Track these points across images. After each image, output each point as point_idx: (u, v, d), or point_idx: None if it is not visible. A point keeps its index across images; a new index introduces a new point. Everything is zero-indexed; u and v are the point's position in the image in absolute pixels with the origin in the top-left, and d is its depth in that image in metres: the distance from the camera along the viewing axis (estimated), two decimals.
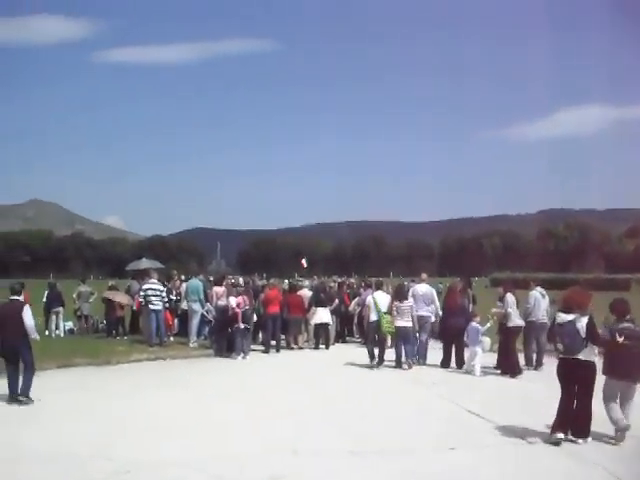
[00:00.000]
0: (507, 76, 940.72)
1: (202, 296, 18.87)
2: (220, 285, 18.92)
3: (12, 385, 10.97)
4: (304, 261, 55.69)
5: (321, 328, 18.99)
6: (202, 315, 18.97)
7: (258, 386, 12.99)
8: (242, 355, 16.75)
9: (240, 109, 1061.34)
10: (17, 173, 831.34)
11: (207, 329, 19.26)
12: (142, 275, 20.88)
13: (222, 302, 17.79)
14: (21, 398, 10.88)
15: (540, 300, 15.24)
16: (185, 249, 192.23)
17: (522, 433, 9.02)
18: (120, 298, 20.90)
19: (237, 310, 17.11)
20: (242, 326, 16.96)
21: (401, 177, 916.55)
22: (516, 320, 14.45)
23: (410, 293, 16.10)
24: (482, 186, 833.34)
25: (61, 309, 21.34)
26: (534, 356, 15.26)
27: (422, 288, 16.46)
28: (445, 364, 15.29)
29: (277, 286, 19.96)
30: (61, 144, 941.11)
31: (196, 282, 19.35)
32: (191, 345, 18.11)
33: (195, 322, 18.60)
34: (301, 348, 18.88)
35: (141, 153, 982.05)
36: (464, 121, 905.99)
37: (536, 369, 15.03)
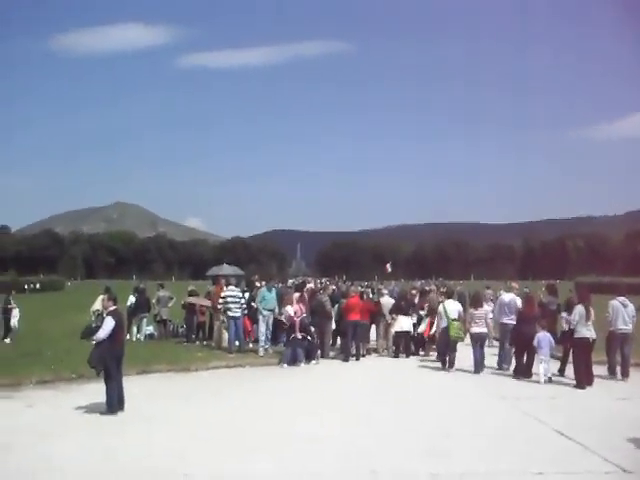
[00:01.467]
0: (590, 74, 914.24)
1: (274, 304, 18.78)
2: (300, 291, 19.15)
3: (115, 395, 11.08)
4: (389, 266, 55.49)
5: (401, 336, 18.76)
6: (279, 321, 19.00)
7: (333, 396, 12.80)
8: (303, 363, 16.86)
9: (322, 111, 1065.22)
10: (102, 176, 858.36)
11: (284, 337, 19.22)
12: (222, 280, 20.98)
13: (290, 309, 17.90)
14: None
15: (620, 309, 14.83)
16: (265, 251, 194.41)
17: (617, 458, 8.32)
18: (203, 302, 21.17)
19: (295, 319, 17.21)
20: (299, 336, 17.08)
21: (481, 178, 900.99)
22: (583, 332, 14.21)
23: (498, 301, 17.11)
24: (564, 187, 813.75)
25: (147, 315, 21.80)
26: (618, 367, 14.87)
27: (508, 297, 16.87)
28: (518, 373, 15.13)
29: (358, 293, 19.82)
30: (146, 148, 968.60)
31: (268, 292, 19.04)
32: (260, 354, 17.95)
33: (262, 329, 18.35)
34: (377, 354, 19.02)
35: (222, 157, 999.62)
36: (546, 121, 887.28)
37: (623, 380, 14.60)
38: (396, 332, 18.79)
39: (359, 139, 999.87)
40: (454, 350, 16.29)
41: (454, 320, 16.17)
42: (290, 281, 23.27)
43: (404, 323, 18.73)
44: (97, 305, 20.56)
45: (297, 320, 17.25)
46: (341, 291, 21.83)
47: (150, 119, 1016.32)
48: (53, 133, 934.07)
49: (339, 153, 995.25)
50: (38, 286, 78.06)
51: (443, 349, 16.60)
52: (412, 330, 18.90)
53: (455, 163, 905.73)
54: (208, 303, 20.93)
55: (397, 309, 19.01)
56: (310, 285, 22.60)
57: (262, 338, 18.25)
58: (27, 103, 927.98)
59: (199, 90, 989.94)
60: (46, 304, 44.86)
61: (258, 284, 21.97)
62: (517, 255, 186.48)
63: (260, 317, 18.32)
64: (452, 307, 16.55)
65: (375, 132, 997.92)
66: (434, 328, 18.21)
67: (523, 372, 14.98)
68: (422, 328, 19.03)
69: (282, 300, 19.15)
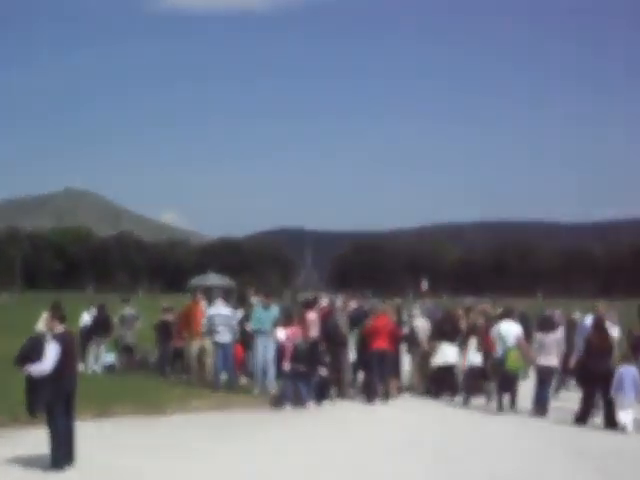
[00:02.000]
0: None
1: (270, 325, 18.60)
2: (311, 308, 19.19)
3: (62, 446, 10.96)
4: (425, 284, 55.52)
5: (445, 372, 18.62)
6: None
7: (352, 457, 12.64)
8: (313, 403, 16.94)
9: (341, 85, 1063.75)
10: (49, 158, 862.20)
11: None
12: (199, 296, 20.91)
13: (312, 333, 18.06)
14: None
15: None
16: (265, 256, 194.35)
17: None
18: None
19: (287, 344, 17.40)
20: (287, 367, 17.25)
21: (551, 166, 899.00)
22: None
23: (579, 327, 17.54)
24: None
25: (107, 339, 21.80)
26: None
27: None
28: (582, 418, 15.31)
29: (387, 312, 19.65)
30: (106, 118, 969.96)
31: (264, 310, 18.85)
32: (255, 392, 17.88)
33: (258, 360, 18.20)
34: (411, 394, 18.91)
35: (208, 133, 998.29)
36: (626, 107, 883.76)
37: None
38: (438, 366, 18.71)
39: (388, 112, 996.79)
40: (512, 387, 16.38)
41: (513, 348, 16.25)
42: (301, 296, 23.07)
43: (449, 353, 18.62)
44: (41, 325, 20.51)
45: (290, 346, 17.27)
46: (364, 310, 21.65)
47: (113, 78, 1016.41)
48: None
49: (361, 130, 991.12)
50: None
51: (498, 386, 16.60)
52: (458, 363, 18.78)
53: (516, 143, 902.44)
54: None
55: (439, 334, 18.93)
56: (324, 302, 22.44)
57: (258, 372, 18.16)
58: None
59: (178, 40, 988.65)
60: None
61: (254, 299, 21.84)
62: (600, 264, 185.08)
63: (256, 343, 18.25)
64: (510, 330, 16.58)
65: (409, 102, 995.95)
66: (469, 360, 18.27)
67: (588, 418, 15.17)
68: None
69: (290, 321, 19.09)
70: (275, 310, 18.97)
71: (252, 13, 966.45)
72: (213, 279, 27.62)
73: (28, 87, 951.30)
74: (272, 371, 18.05)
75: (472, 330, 18.70)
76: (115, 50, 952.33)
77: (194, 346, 19.53)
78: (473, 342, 18.04)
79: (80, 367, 20.02)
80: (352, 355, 19.14)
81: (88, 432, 12.62)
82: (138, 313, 22.42)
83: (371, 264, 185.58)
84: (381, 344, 17.96)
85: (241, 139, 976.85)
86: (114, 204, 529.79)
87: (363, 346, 18.62)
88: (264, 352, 18.18)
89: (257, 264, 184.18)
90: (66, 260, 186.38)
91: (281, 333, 17.72)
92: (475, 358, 17.83)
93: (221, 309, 18.72)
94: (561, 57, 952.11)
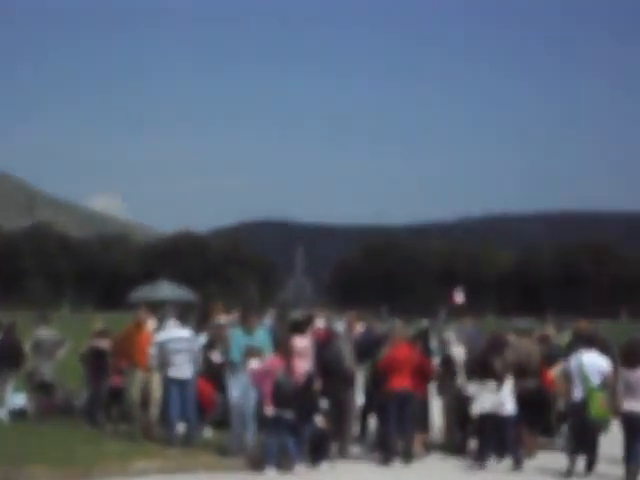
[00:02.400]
0: None
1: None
2: (303, 332, 19.25)
3: None
4: (460, 295, 54.71)
5: (488, 422, 18.57)
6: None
7: None
8: (304, 466, 16.89)
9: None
10: None
11: None
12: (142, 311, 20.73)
13: (304, 365, 18.13)
14: None
15: None
16: (238, 258, 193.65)
17: None
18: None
19: (262, 379, 17.38)
20: (269, 412, 17.13)
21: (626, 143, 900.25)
22: None
23: None
24: None
25: (15, 373, 21.70)
26: None
27: None
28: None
29: (405, 340, 19.52)
30: (18, 72, 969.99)
31: (245, 335, 18.89)
32: (232, 448, 17.76)
33: (236, 404, 18.09)
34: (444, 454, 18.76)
35: (158, 87, 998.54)
36: None
37: None
38: (480, 415, 18.61)
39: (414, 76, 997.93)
40: (593, 443, 16.19)
41: (598, 389, 16.06)
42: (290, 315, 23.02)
43: (488, 398, 18.31)
44: None
45: (270, 383, 17.21)
46: (377, 335, 21.61)
47: (27, 16, 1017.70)
48: None
49: (369, 84, 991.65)
50: None
51: (573, 440, 16.48)
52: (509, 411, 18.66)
53: (581, 123, 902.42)
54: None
55: (481, 370, 18.81)
56: (321, 323, 22.44)
57: (234, 422, 18.06)
58: None
59: None
60: None
61: (222, 319, 21.82)
62: None
63: (231, 378, 18.23)
64: (594, 364, 16.43)
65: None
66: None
67: None
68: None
69: (280, 348, 19.12)
70: (262, 335, 18.86)
71: None
72: (165, 290, 27.50)
73: None
74: (252, 422, 17.87)
75: (507, 368, 18.41)
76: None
77: (137, 383, 19.32)
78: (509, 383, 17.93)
79: None
80: (360, 398, 19.11)
81: None
82: (60, 337, 22.24)
83: (387, 269, 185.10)
84: (402, 383, 17.90)
85: (203, 99, 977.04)
86: (28, 186, 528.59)
87: (376, 385, 18.62)
88: (244, 394, 17.96)
89: (227, 270, 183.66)
90: None
91: (254, 363, 17.55)
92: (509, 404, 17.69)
93: (177, 332, 18.62)
94: None
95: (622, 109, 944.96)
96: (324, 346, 19.51)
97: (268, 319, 21.98)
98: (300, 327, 19.88)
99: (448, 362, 19.40)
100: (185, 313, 20.57)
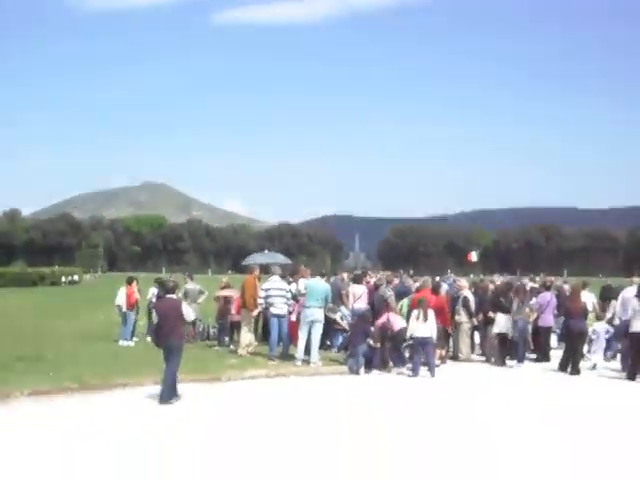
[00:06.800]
0: None
1: (328, 301, 17.71)
2: (360, 283, 18.83)
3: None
4: (474, 254, 53.27)
5: (502, 339, 18.19)
6: (334, 322, 18.35)
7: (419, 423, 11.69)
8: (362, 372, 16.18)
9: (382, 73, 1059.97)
10: (129, 156, 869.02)
11: (340, 340, 18.61)
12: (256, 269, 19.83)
13: (360, 305, 17.70)
14: (172, 400, 12.28)
15: None
16: (318, 240, 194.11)
17: None
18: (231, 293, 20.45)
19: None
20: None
21: (573, 157, 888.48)
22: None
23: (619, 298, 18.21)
24: None
25: None
26: None
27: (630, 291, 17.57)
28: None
29: (429, 287, 18.56)
30: (174, 119, 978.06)
31: (319, 283, 17.86)
32: (312, 364, 16.73)
33: (302, 333, 17.11)
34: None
35: (267, 128, 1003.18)
36: None
37: None
38: (498, 334, 18.19)
39: (429, 114, 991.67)
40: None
41: None
42: (344, 274, 22.13)
43: (503, 323, 18.12)
44: (119, 300, 20.28)
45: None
46: (406, 286, 20.74)
47: (178, 84, 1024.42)
48: (72, 103, 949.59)
49: (403, 130, 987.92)
50: (76, 278, 79.14)
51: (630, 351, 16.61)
52: (511, 333, 18.14)
53: (541, 143, 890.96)
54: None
55: (494, 306, 18.46)
56: (371, 278, 21.65)
57: (301, 344, 17.06)
58: (40, 66, 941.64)
59: (238, 48, 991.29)
60: (58, 299, 44.58)
61: (305, 276, 20.92)
62: (620, 245, 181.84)
63: (302, 315, 17.34)
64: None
65: (445, 105, 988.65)
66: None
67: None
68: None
69: (339, 296, 18.62)
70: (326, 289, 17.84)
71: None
72: (268, 257, 26.71)
73: (108, 97, 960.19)
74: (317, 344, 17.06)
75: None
76: (185, 62, 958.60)
77: (248, 319, 18.41)
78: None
79: (147, 339, 19.51)
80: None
81: (148, 396, 12.56)
82: (200, 288, 21.48)
83: (413, 246, 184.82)
84: None
85: (296, 137, 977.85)
86: (185, 195, 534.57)
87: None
88: (311, 326, 17.05)
89: (311, 247, 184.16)
90: (143, 245, 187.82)
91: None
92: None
93: (278, 283, 17.77)
94: None
95: None
96: (373, 292, 18.85)
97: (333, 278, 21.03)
98: (357, 279, 19.28)
99: (466, 302, 18.81)
100: (283, 272, 19.68)
